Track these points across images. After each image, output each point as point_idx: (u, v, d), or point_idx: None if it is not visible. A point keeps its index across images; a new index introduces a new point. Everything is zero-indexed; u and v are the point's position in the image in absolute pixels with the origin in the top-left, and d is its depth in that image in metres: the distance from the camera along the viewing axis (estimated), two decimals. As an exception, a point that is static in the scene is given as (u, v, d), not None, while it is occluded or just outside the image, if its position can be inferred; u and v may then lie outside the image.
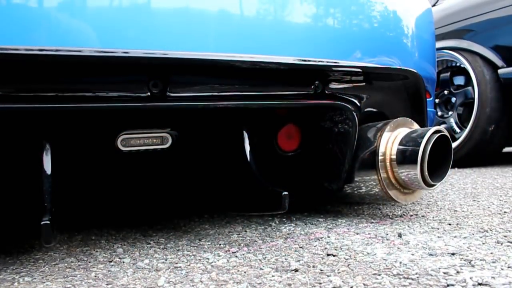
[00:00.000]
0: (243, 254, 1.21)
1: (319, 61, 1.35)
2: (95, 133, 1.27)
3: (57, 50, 1.07)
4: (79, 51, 1.02)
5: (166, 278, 1.04)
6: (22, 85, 1.07)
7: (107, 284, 1.03)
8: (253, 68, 1.27)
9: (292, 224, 1.52)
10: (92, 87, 1.13)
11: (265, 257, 1.17)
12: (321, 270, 1.05)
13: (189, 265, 1.13)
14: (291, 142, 1.52)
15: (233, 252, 1.23)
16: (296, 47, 1.35)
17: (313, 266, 1.08)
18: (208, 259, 1.18)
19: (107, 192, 1.40)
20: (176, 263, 1.15)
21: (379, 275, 1.00)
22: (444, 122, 3.45)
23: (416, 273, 0.99)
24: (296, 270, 1.06)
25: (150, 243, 1.36)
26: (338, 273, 1.03)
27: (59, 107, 1.09)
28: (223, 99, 1.25)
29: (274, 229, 1.46)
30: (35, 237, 1.49)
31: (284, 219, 1.60)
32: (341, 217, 1.61)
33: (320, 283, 0.97)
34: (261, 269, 1.09)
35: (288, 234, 1.40)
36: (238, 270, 1.08)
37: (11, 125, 1.18)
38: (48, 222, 0.96)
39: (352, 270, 1.05)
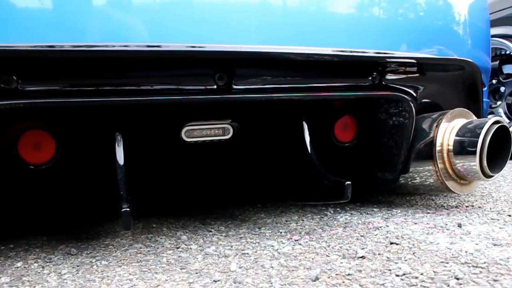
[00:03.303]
0: (306, 242, 1.24)
1: (377, 53, 1.36)
2: (162, 125, 1.32)
3: (125, 46, 1.11)
4: (158, 46, 1.06)
5: (237, 263, 1.09)
6: (98, 80, 1.13)
7: (181, 269, 1.08)
8: (314, 60, 1.29)
9: (348, 214, 1.54)
10: (162, 81, 1.17)
11: (329, 245, 1.20)
12: (388, 258, 1.07)
13: (256, 252, 1.17)
14: (347, 133, 1.54)
15: (295, 240, 1.26)
16: (351, 39, 1.36)
17: (379, 254, 1.11)
18: (273, 246, 1.22)
19: (169, 181, 1.45)
20: (243, 250, 1.19)
21: (447, 263, 1.02)
22: (492, 113, 3.38)
23: (484, 262, 1.01)
24: (363, 257, 1.08)
25: (211, 231, 1.41)
26: (405, 260, 1.05)
27: (131, 101, 1.14)
28: (284, 91, 1.27)
29: (330, 218, 1.49)
30: (98, 224, 1.55)
31: (338, 209, 1.62)
32: (395, 207, 1.62)
33: (390, 270, 0.99)
34: (327, 256, 1.12)
35: (345, 223, 1.42)
36: (306, 257, 1.11)
37: (89, 118, 1.24)
38: (128, 209, 1.01)
39: (418, 258, 1.06)
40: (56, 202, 1.29)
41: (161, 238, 1.36)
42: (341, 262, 1.06)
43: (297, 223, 1.46)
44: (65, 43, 1.07)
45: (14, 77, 1.07)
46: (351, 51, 1.32)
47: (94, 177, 1.28)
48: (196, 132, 1.34)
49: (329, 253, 1.14)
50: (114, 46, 1.09)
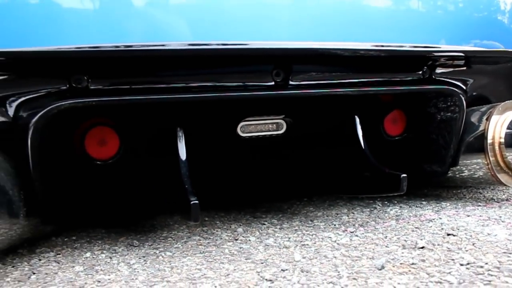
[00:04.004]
0: (362, 234, 1.26)
1: (428, 47, 1.38)
2: (220, 121, 1.36)
3: (188, 45, 1.15)
4: (220, 44, 1.10)
5: (300, 254, 1.12)
6: (162, 78, 1.17)
7: (245, 259, 1.12)
8: (366, 56, 1.31)
9: (397, 207, 1.56)
10: (221, 78, 1.21)
11: (386, 236, 1.23)
12: (448, 248, 1.09)
13: (315, 243, 1.20)
14: (397, 127, 1.56)
15: (351, 232, 1.29)
16: (399, 33, 1.38)
17: (438, 245, 1.13)
18: (330, 237, 1.24)
19: (222, 176, 1.49)
20: (302, 241, 1.23)
21: (510, 253, 1.03)
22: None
23: (547, 252, 1.02)
24: (423, 248, 1.11)
25: (265, 224, 1.44)
26: (466, 251, 1.07)
27: (192, 97, 1.18)
28: (337, 86, 1.30)
29: (380, 211, 1.51)
30: (150, 217, 1.60)
31: (386, 202, 1.64)
32: (443, 200, 1.63)
33: (453, 259, 1.01)
34: (386, 246, 1.14)
35: (397, 216, 1.44)
36: (366, 248, 1.14)
37: (151, 115, 1.29)
38: (197, 201, 1.06)
39: (479, 248, 1.08)
40: (116, 196, 1.35)
41: (217, 231, 1.40)
42: (402, 252, 1.09)
43: (348, 215, 1.48)
44: (132, 43, 1.12)
45: (85, 77, 1.12)
46: (403, 46, 1.34)
47: (156, 172, 1.33)
48: (251, 128, 1.38)
49: (387, 244, 1.16)
50: (177, 45, 1.14)
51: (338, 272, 0.98)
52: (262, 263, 1.08)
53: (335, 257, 1.08)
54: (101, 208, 1.32)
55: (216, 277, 1.01)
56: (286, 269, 1.02)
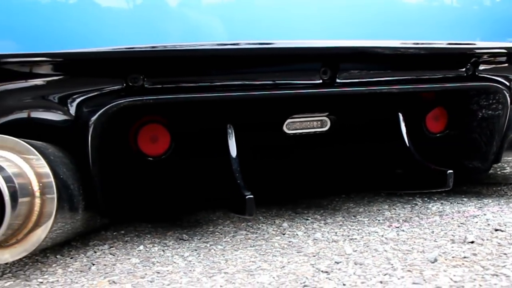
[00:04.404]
0: (408, 229, 1.28)
1: (471, 44, 1.39)
2: (268, 118, 1.39)
3: (237, 45, 1.19)
4: (270, 44, 1.14)
5: (350, 247, 1.14)
6: (213, 76, 1.21)
7: (297, 252, 1.15)
8: (411, 54, 1.33)
9: (438, 203, 1.57)
10: (270, 76, 1.25)
11: (433, 231, 1.24)
12: (499, 243, 1.11)
13: (362, 238, 1.23)
14: (438, 124, 1.57)
15: (396, 227, 1.31)
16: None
17: (487, 239, 1.14)
18: (377, 232, 1.27)
19: (268, 172, 1.52)
20: (349, 236, 1.25)
21: (562, 247, 1.04)
22: None
23: None
24: (472, 242, 1.12)
25: (308, 219, 1.47)
26: (517, 245, 1.08)
27: (243, 95, 1.22)
28: (382, 84, 1.32)
29: (422, 207, 1.53)
30: (192, 213, 1.64)
31: (426, 198, 1.65)
32: (484, 197, 1.64)
33: (505, 254, 1.03)
34: (435, 241, 1.16)
35: (439, 212, 1.46)
36: (414, 242, 1.16)
37: (201, 112, 1.33)
38: (251, 196, 1.09)
39: (530, 243, 1.09)
40: (167, 191, 1.39)
41: (262, 226, 1.43)
42: (452, 247, 1.10)
43: (390, 211, 1.50)
44: (183, 43, 1.16)
45: (141, 76, 1.16)
46: (447, 44, 1.35)
47: (205, 168, 1.37)
48: (296, 125, 1.41)
49: (435, 239, 1.18)
50: (227, 45, 1.17)
51: (392, 264, 1.01)
52: (314, 256, 1.11)
53: (385, 251, 1.10)
54: (152, 203, 1.37)
55: (272, 269, 1.04)
56: (340, 262, 1.05)
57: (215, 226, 1.47)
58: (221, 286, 0.95)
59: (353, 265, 1.02)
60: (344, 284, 0.91)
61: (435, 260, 1.01)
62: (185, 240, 1.32)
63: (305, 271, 1.01)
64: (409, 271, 0.97)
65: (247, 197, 1.09)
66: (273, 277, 0.98)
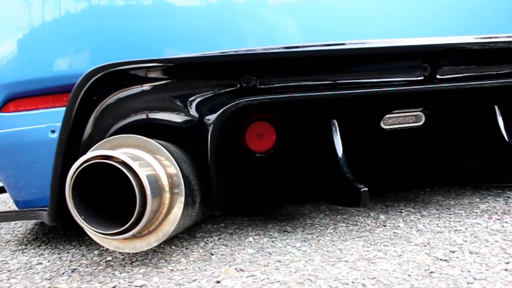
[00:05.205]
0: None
1: None
2: (368, 115, 1.45)
3: (342, 45, 1.25)
4: (371, 43, 1.19)
5: (458, 237, 1.19)
6: (319, 75, 1.28)
7: (407, 242, 1.20)
8: (507, 48, 1.35)
9: (530, 196, 1.58)
10: (373, 74, 1.30)
11: (537, 223, 1.27)
12: None
13: (467, 229, 1.26)
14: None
15: (497, 219, 1.34)
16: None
17: None
18: (480, 224, 1.30)
19: (365, 166, 1.57)
20: (452, 227, 1.29)
21: None
22: None
23: None
24: None
25: (402, 211, 1.51)
26: None
27: (348, 94, 1.28)
28: (481, 79, 1.35)
29: (515, 200, 1.54)
30: (278, 207, 1.71)
31: None
32: None
33: None
34: (543, 232, 1.19)
35: (535, 204, 1.47)
36: (523, 233, 1.19)
37: (306, 109, 1.40)
38: (366, 189, 1.15)
39: None
40: (272, 186, 1.47)
41: (358, 218, 1.49)
42: None
43: (483, 204, 1.52)
44: (297, 44, 1.23)
45: (254, 77, 1.24)
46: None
47: (309, 163, 1.44)
48: (392, 120, 1.46)
49: (543, 230, 1.20)
50: (332, 45, 1.24)
51: (510, 254, 1.04)
52: (425, 245, 1.16)
53: (496, 241, 1.14)
54: (258, 197, 1.45)
55: (389, 257, 1.09)
56: (455, 251, 1.09)
57: (311, 219, 1.54)
58: (347, 273, 1.01)
59: (469, 254, 1.07)
60: (469, 271, 0.96)
61: (552, 249, 1.04)
62: (289, 232, 1.39)
63: (423, 259, 1.06)
64: (529, 259, 1.00)
65: (362, 189, 1.15)
66: (394, 265, 1.04)
